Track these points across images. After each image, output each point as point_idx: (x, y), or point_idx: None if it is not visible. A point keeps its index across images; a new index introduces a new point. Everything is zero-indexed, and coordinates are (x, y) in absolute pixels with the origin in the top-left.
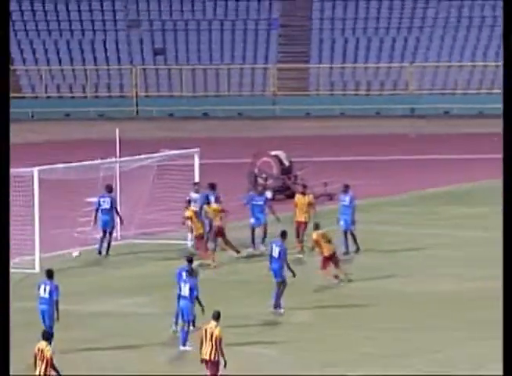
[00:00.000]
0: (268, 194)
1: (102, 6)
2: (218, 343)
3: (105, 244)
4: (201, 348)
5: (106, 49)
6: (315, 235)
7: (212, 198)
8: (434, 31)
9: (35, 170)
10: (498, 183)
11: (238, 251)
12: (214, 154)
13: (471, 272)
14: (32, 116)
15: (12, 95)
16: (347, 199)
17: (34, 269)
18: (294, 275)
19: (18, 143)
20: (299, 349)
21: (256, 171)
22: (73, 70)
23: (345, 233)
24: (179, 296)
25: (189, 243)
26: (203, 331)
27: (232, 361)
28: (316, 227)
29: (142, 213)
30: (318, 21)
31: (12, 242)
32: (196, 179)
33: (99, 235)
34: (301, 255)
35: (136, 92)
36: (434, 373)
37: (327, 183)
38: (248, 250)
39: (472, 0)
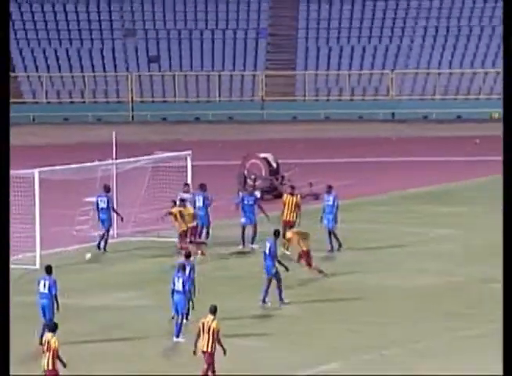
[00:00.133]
0: (257, 194)
1: (99, 16)
2: (215, 335)
3: (103, 242)
4: (197, 340)
5: (103, 57)
6: (289, 233)
7: (200, 198)
8: (413, 40)
9: (36, 171)
10: (475, 183)
11: (203, 254)
12: (206, 156)
13: (449, 267)
14: (33, 120)
15: (13, 100)
16: (330, 199)
17: (34, 265)
18: (287, 269)
19: (19, 146)
20: (288, 341)
21: (245, 172)
22: (72, 76)
23: (329, 231)
24: (173, 290)
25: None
26: (201, 325)
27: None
28: (291, 227)
29: (138, 212)
30: (304, 31)
31: (13, 240)
32: (189, 180)
33: (98, 233)
34: (288, 252)
35: (132, 98)
36: (415, 362)
37: (313, 184)
38: (238, 247)
39: (449, 9)
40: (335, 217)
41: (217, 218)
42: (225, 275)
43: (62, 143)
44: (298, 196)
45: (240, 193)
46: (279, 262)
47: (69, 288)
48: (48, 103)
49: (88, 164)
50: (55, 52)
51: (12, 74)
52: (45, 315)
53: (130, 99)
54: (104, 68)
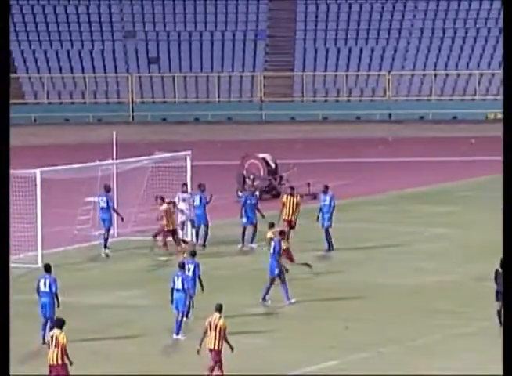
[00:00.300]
0: (257, 194)
1: (100, 18)
2: (222, 333)
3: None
4: (203, 339)
5: (103, 58)
6: (270, 233)
7: (197, 198)
8: (409, 42)
9: (37, 171)
10: (470, 183)
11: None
12: (205, 156)
13: (444, 266)
14: (34, 121)
15: (15, 101)
16: (327, 199)
17: (36, 264)
18: (287, 270)
19: (21, 146)
20: (286, 340)
21: (244, 172)
22: (73, 77)
23: (326, 231)
24: (173, 289)
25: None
26: (207, 323)
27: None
28: (272, 226)
29: (138, 212)
30: (302, 32)
31: (15, 239)
32: (188, 180)
33: (98, 232)
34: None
35: (132, 98)
36: (412, 360)
37: (310, 184)
38: (238, 246)
39: (445, 12)
40: (331, 217)
41: (217, 218)
42: (224, 274)
43: (63, 143)
44: (298, 196)
45: (239, 193)
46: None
47: (69, 287)
48: (50, 103)
49: (89, 164)
50: (57, 53)
51: (13, 75)
52: (46, 313)
53: (130, 100)
54: (105, 69)
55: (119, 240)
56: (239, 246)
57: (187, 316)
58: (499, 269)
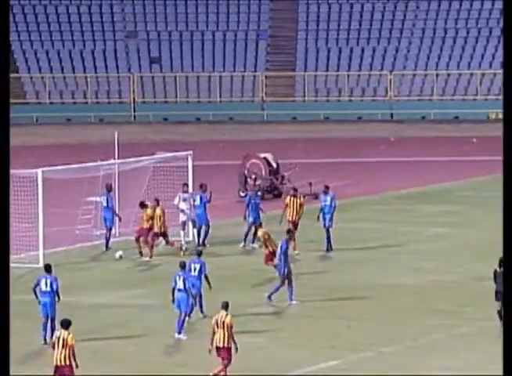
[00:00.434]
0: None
1: (101, 18)
2: (229, 330)
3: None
4: (213, 338)
5: (105, 58)
6: (260, 232)
7: (197, 198)
8: (411, 41)
9: (39, 171)
10: (471, 183)
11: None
12: (207, 156)
13: (444, 266)
14: (36, 120)
15: (17, 101)
16: (328, 199)
17: (38, 263)
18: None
19: (23, 146)
20: (287, 339)
21: (245, 172)
22: (75, 77)
23: (327, 231)
24: (173, 289)
25: (183, 239)
26: (214, 321)
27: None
28: (260, 226)
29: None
30: (303, 32)
31: (17, 239)
32: (190, 180)
33: (100, 232)
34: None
35: (134, 98)
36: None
37: (312, 183)
38: (239, 246)
39: (447, 11)
40: (332, 217)
41: (218, 218)
42: (226, 273)
43: (64, 143)
44: (301, 197)
45: (241, 193)
46: (279, 261)
47: (70, 286)
48: (51, 103)
49: (91, 164)
50: (58, 53)
51: (15, 75)
52: (47, 313)
53: (132, 100)
54: (106, 69)
55: (120, 240)
56: (241, 245)
57: (189, 316)
58: (498, 269)
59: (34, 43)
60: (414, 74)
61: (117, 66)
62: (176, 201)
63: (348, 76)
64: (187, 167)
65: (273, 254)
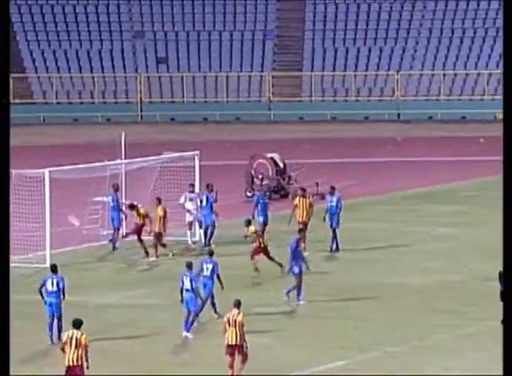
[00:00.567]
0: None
1: (108, 18)
2: (241, 328)
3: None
4: (225, 334)
5: (112, 58)
6: (252, 228)
7: (204, 197)
8: (418, 41)
9: (46, 171)
10: (478, 183)
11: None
12: (213, 156)
13: (451, 266)
14: (43, 120)
15: (24, 100)
16: (334, 199)
17: (45, 263)
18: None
19: (30, 146)
20: (294, 339)
21: (252, 172)
22: (82, 77)
23: (334, 231)
24: (181, 289)
25: (189, 239)
26: (226, 319)
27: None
28: (249, 223)
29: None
30: (310, 32)
31: (24, 239)
32: (197, 180)
33: (107, 231)
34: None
35: (140, 98)
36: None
37: (319, 183)
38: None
39: (454, 11)
40: (338, 218)
41: (225, 218)
42: (233, 273)
43: (71, 143)
44: (310, 196)
45: (248, 193)
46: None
47: (77, 286)
48: (58, 103)
49: (98, 163)
50: (65, 53)
51: (22, 75)
52: (53, 313)
53: (139, 100)
54: (113, 69)
55: (127, 240)
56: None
57: (198, 315)
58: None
59: (41, 43)
60: (421, 74)
61: (124, 66)
62: (182, 201)
63: (355, 76)
64: (194, 167)
65: (263, 248)
